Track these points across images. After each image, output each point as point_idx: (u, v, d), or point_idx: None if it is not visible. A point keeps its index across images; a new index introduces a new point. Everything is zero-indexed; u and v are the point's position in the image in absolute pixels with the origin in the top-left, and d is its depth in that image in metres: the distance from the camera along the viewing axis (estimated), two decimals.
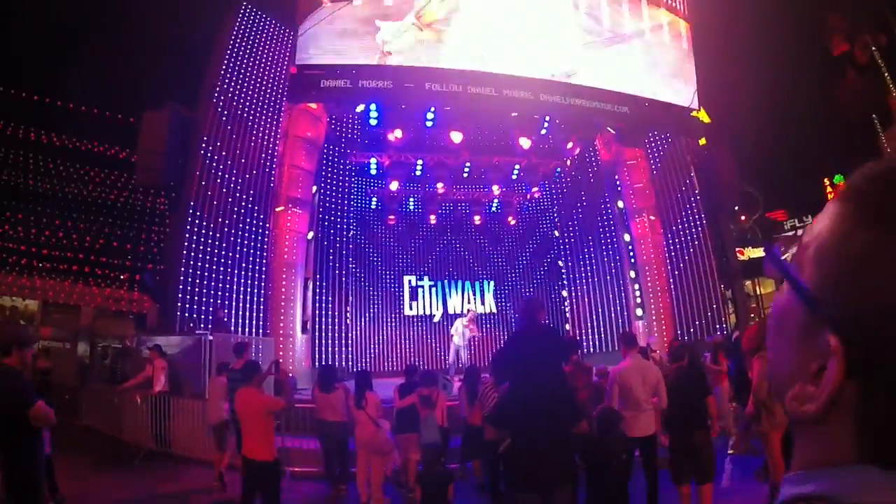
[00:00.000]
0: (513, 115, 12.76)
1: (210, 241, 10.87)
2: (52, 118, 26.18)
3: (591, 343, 15.49)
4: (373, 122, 12.88)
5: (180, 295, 10.37)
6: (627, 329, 14.75)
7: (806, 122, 32.96)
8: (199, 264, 10.64)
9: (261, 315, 11.25)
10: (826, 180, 33.81)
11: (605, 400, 4.82)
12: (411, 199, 16.83)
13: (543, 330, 3.83)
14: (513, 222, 17.44)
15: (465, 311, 14.50)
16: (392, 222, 16.43)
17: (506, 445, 3.52)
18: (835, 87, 30.15)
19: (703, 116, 20.91)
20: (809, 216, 36.60)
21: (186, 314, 10.32)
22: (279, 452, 5.26)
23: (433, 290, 16.72)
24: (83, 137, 26.91)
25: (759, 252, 29.31)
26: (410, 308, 16.43)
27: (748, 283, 26.73)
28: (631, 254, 15.05)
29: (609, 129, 14.34)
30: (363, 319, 15.62)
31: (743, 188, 29.62)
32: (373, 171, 15.26)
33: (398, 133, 12.97)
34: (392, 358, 15.75)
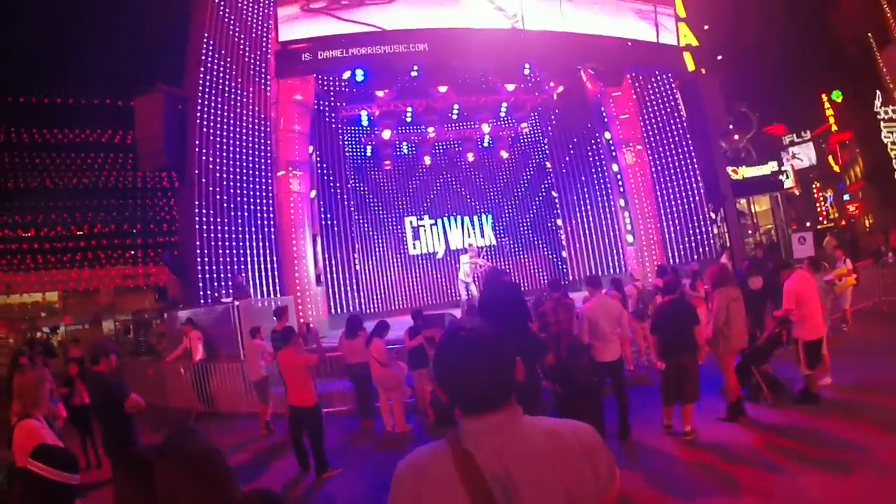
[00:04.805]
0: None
1: (219, 213, 11.35)
2: (40, 115, 26.32)
3: (586, 269, 16.03)
4: (359, 79, 13.01)
5: (199, 268, 10.96)
6: (620, 257, 15.50)
7: (803, 40, 32.18)
8: (212, 236, 11.20)
9: (275, 276, 12.00)
10: (824, 95, 33.32)
11: (576, 333, 5.70)
12: (404, 144, 17.06)
13: (510, 286, 4.97)
14: (505, 156, 17.65)
15: (465, 247, 14.90)
16: (388, 167, 16.77)
17: None
18: (831, 5, 29.36)
19: (691, 39, 20.65)
20: (808, 131, 36.27)
21: (207, 285, 10.97)
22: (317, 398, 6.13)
23: (434, 228, 17.28)
24: (74, 128, 27.04)
25: (753, 170, 29.40)
26: (414, 248, 17.07)
27: (742, 201, 27.00)
28: (620, 183, 15.39)
29: (589, 69, 14.43)
30: (371, 264, 16.27)
31: (736, 107, 29.37)
32: (364, 123, 15.50)
33: (385, 91, 13.24)
34: (401, 297, 16.61)
